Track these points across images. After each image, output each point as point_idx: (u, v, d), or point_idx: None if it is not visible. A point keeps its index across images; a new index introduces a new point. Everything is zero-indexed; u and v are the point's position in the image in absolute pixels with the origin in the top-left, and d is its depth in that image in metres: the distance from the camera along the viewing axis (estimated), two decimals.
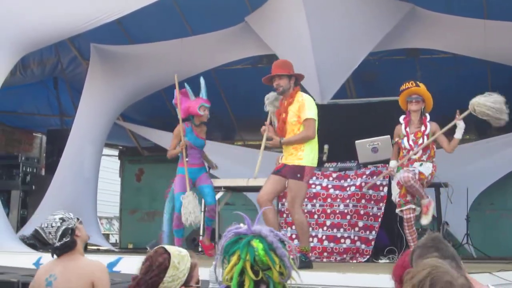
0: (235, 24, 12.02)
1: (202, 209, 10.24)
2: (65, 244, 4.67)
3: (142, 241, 13.87)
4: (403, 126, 8.70)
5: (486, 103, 8.30)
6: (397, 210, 8.58)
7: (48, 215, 4.87)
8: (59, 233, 4.69)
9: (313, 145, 8.29)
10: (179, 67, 12.06)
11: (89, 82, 12.44)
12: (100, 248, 12.66)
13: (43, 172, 15.22)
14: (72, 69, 14.57)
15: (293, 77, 8.38)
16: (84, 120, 12.24)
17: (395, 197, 8.60)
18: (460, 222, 11.23)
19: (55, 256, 4.78)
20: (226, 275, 3.08)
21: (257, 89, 12.34)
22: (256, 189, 11.30)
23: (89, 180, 12.34)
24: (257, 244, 3.06)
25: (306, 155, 8.16)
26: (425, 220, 8.48)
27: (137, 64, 12.48)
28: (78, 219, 4.88)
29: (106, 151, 15.40)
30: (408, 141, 8.58)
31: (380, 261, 9.37)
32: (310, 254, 8.25)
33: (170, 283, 3.56)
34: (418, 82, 8.65)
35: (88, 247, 12.57)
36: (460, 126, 8.43)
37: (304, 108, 8.18)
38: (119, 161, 17.08)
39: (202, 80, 9.90)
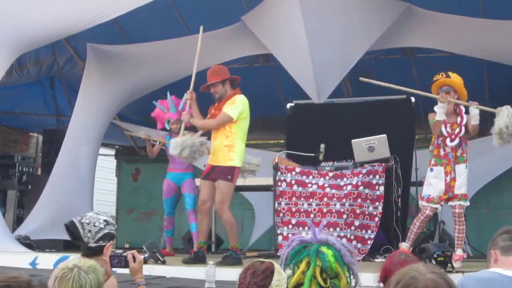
0: (232, 23, 12.02)
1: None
2: (99, 247, 4.57)
3: (139, 240, 13.81)
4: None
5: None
6: (424, 203, 8.56)
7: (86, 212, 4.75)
8: (100, 235, 4.66)
9: (243, 146, 8.56)
10: (175, 67, 12.09)
11: (86, 82, 12.42)
12: None
13: (39, 172, 15.21)
14: (69, 68, 14.55)
15: (227, 81, 8.64)
16: (80, 120, 12.22)
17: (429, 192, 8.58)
18: None
19: (76, 256, 4.67)
20: (294, 283, 3.10)
21: (253, 89, 12.34)
22: (253, 188, 11.35)
23: (85, 179, 12.31)
24: (326, 251, 3.09)
25: (236, 156, 8.42)
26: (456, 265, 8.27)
27: (134, 64, 12.46)
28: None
29: (102, 150, 15.37)
30: (445, 128, 8.56)
31: (376, 260, 9.37)
32: (240, 251, 8.68)
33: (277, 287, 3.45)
34: (449, 73, 8.60)
35: None
36: (474, 112, 8.43)
37: (231, 105, 8.47)
38: (115, 161, 17.06)
39: (168, 96, 10.69)
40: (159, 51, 12.38)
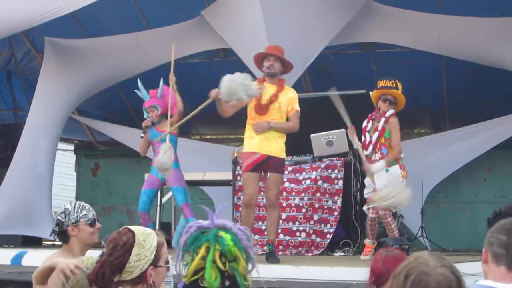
0: (191, 18, 11.98)
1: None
2: (55, 233, 4.60)
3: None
4: (365, 122, 8.73)
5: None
6: (365, 207, 8.60)
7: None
8: (55, 221, 4.65)
9: None
10: (134, 61, 12.02)
11: (43, 76, 12.30)
12: (55, 243, 12.54)
13: None
14: (26, 63, 14.39)
15: (284, 64, 8.36)
16: (38, 115, 12.10)
17: (367, 193, 8.60)
18: (415, 215, 11.31)
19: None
20: (194, 268, 3.11)
21: (212, 83, 12.25)
22: (213, 183, 11.34)
23: (43, 175, 12.20)
24: (225, 235, 3.12)
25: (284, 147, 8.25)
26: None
27: (92, 58, 12.36)
28: (95, 220, 4.72)
29: (61, 145, 15.25)
30: (364, 136, 8.64)
31: (335, 254, 9.43)
32: None
33: (137, 263, 3.39)
34: (398, 82, 8.62)
35: (43, 242, 12.48)
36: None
37: (296, 101, 8.24)
38: (74, 156, 16.95)
39: (139, 82, 9.99)
40: (118, 45, 12.29)
